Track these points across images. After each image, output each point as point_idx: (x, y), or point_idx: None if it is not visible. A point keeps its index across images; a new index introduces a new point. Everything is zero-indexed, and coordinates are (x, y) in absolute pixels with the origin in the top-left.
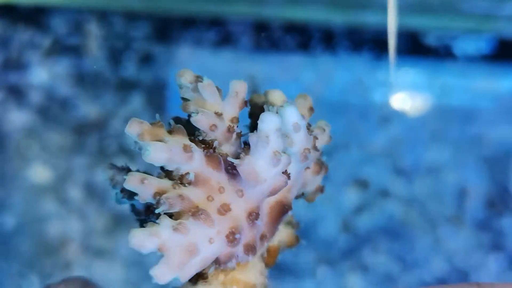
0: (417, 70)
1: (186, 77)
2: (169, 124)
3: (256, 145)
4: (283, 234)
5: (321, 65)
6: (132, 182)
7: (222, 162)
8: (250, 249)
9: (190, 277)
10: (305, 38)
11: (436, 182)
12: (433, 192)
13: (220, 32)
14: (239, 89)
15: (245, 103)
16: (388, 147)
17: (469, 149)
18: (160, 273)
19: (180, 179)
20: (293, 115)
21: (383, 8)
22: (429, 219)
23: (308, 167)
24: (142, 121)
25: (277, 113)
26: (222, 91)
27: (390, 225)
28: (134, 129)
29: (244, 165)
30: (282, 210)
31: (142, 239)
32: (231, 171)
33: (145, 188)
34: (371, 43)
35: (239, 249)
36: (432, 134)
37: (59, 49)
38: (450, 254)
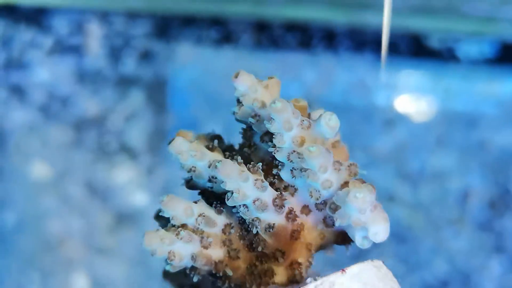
0: (420, 72)
1: (250, 84)
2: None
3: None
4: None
5: (323, 64)
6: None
7: None
8: None
9: None
10: (306, 37)
11: (440, 187)
12: (437, 196)
13: (221, 31)
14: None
15: None
16: (392, 151)
17: (472, 153)
18: None
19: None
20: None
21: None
22: (433, 223)
23: None
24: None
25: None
26: None
27: (396, 230)
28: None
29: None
30: None
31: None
32: None
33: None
34: (373, 44)
35: None
36: (436, 138)
37: (60, 48)
38: (454, 256)
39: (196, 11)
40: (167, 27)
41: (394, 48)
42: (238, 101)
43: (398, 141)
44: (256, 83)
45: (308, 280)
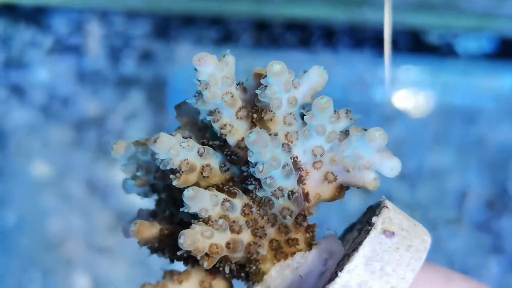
0: (419, 68)
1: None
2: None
3: None
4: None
5: (322, 62)
6: None
7: None
8: None
9: None
10: (306, 35)
11: (437, 186)
12: (434, 195)
13: (220, 30)
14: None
15: None
16: (391, 148)
17: (470, 150)
18: None
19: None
20: None
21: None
22: (430, 222)
23: None
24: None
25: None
26: None
27: None
28: None
29: None
30: None
31: None
32: None
33: None
34: (372, 40)
35: None
36: (434, 134)
37: (60, 48)
38: (451, 256)
39: (196, 11)
40: (167, 27)
41: (393, 44)
42: (205, 85)
43: (396, 137)
44: (219, 62)
45: (374, 219)
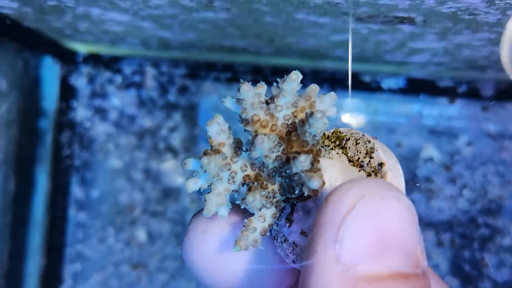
0: (357, 99)
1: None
2: None
3: None
4: None
5: None
6: None
7: None
8: None
9: None
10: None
11: None
12: None
13: (230, 73)
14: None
15: None
16: None
17: (391, 151)
18: None
19: None
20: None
21: (338, 59)
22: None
23: None
24: None
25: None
26: None
27: None
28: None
29: None
30: None
31: None
32: None
33: None
34: (329, 81)
35: None
36: None
37: (127, 83)
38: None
39: (215, 60)
40: (196, 70)
41: (341, 83)
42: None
43: None
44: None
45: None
